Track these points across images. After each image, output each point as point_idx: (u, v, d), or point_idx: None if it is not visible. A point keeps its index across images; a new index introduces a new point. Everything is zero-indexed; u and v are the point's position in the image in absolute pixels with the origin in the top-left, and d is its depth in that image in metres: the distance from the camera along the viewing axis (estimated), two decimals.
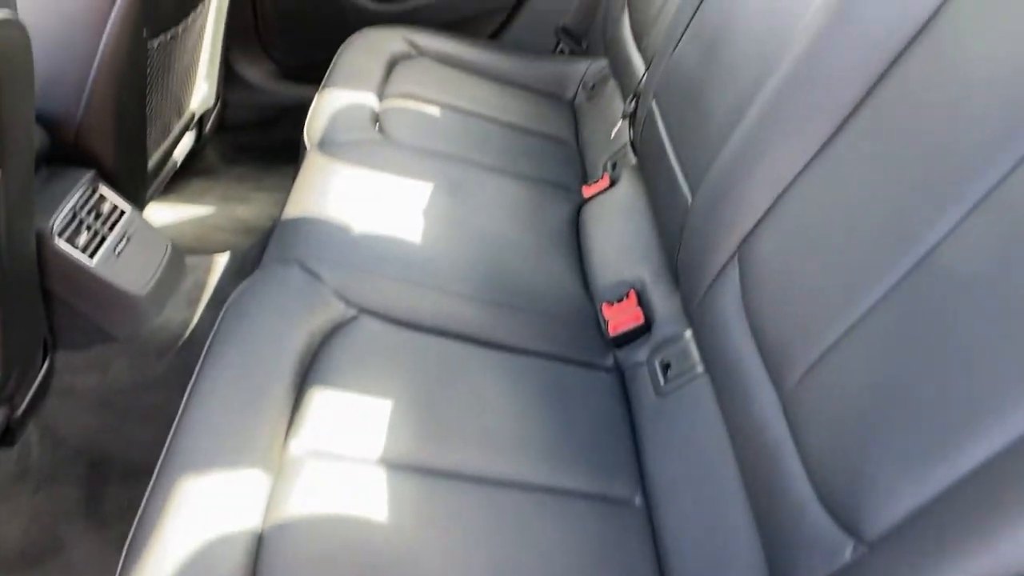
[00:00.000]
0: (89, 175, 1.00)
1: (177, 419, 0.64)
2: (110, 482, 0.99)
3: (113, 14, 0.93)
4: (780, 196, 0.61)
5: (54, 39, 0.92)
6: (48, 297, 0.97)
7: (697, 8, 0.90)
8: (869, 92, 0.55)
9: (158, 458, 0.61)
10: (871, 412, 0.46)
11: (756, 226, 0.63)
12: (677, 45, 0.93)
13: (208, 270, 1.18)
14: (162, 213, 1.56)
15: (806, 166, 0.59)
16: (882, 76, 0.54)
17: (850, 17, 0.57)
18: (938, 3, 0.51)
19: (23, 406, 0.92)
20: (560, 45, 1.58)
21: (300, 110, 1.72)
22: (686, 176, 0.81)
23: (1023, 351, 0.37)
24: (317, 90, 1.29)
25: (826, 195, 0.57)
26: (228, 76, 1.64)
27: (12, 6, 0.58)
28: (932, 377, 0.42)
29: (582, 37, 1.57)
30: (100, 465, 0.99)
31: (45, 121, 0.96)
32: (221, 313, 0.76)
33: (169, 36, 1.09)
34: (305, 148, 1.07)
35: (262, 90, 1.69)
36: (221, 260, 1.21)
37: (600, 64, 1.46)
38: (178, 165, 1.45)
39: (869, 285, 0.48)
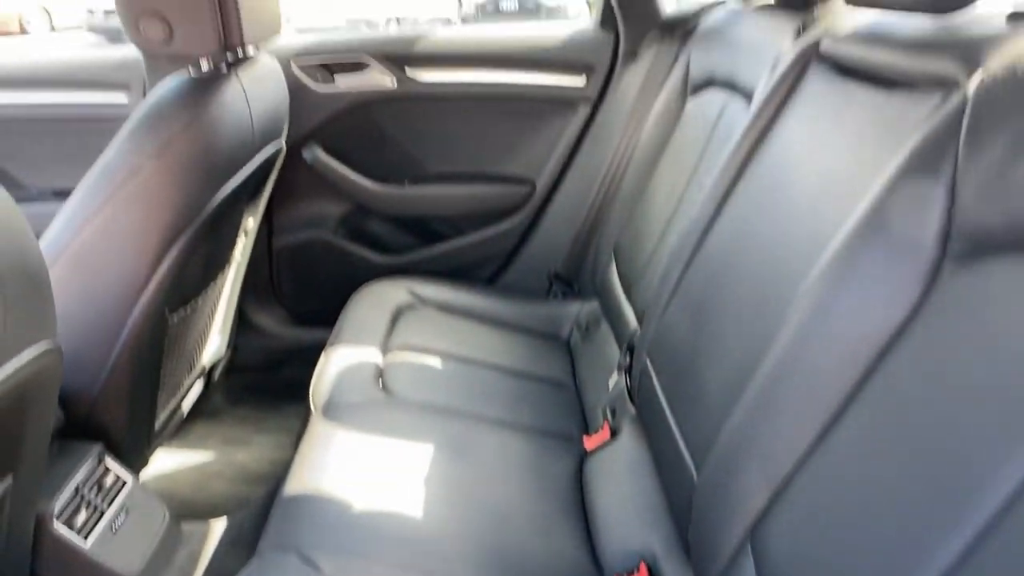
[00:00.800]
0: (97, 449, 1.02)
1: None
2: None
3: (143, 297, 1.00)
4: (786, 484, 0.62)
5: (81, 320, 0.98)
6: None
7: (683, 273, 0.98)
8: (859, 386, 0.57)
9: None
10: None
11: (765, 514, 0.63)
12: (667, 308, 0.99)
13: (204, 539, 1.15)
14: (162, 460, 1.55)
15: (808, 452, 0.61)
16: (876, 361, 0.56)
17: (831, 312, 0.61)
18: (919, 296, 0.54)
19: None
20: (553, 288, 1.68)
21: (307, 352, 1.79)
22: (687, 444, 0.83)
23: None
24: (324, 334, 1.35)
25: (837, 482, 0.57)
26: (240, 322, 1.73)
27: (52, 332, 0.63)
28: None
29: (573, 281, 1.68)
30: None
31: (62, 398, 0.99)
32: None
33: (188, 308, 1.17)
34: (310, 411, 1.10)
35: (272, 335, 1.77)
36: (217, 527, 1.19)
37: (592, 305, 1.55)
38: (184, 415, 1.48)
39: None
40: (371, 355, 1.24)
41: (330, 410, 1.08)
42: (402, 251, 1.75)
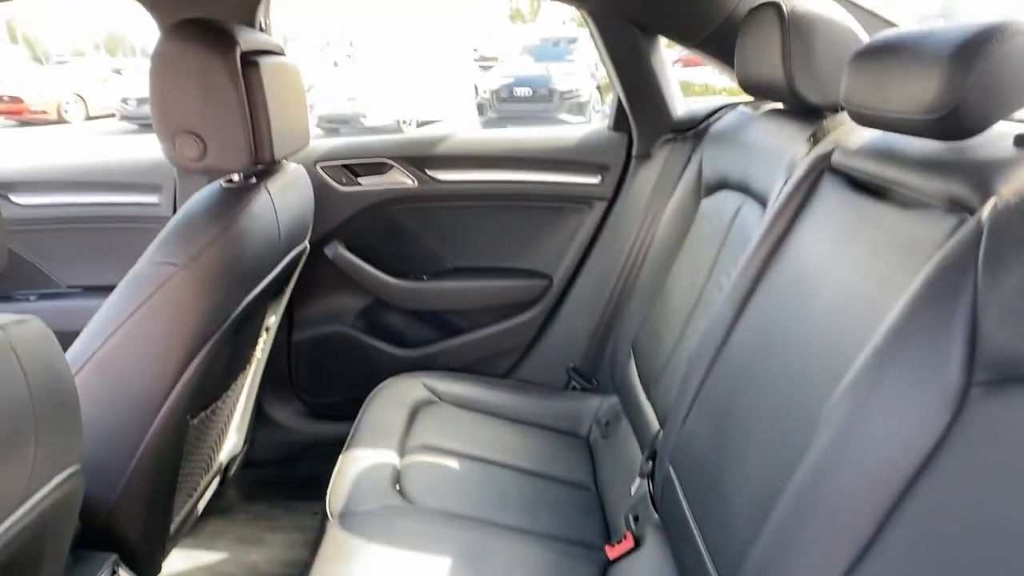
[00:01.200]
0: (111, 560, 1.00)
1: None
2: None
3: (166, 404, 1.00)
4: None
5: (103, 428, 0.99)
6: None
7: (704, 378, 0.97)
8: (887, 516, 0.56)
9: None
10: None
11: None
12: (688, 413, 0.98)
13: None
14: (174, 560, 1.52)
15: None
16: (904, 490, 0.55)
17: (856, 437, 0.60)
18: (946, 423, 0.53)
19: None
20: (572, 383, 1.67)
21: (324, 446, 1.78)
22: (713, 561, 0.80)
23: None
24: (341, 428, 1.33)
25: None
26: (257, 417, 1.72)
27: (79, 456, 0.64)
28: None
29: (592, 375, 1.67)
30: None
31: (82, 508, 0.99)
32: None
33: (209, 411, 1.17)
34: (326, 514, 1.08)
35: (288, 429, 1.76)
36: None
37: (612, 400, 1.53)
38: (199, 514, 1.45)
39: None
40: (388, 457, 1.23)
41: (347, 518, 1.06)
42: (420, 344, 1.76)
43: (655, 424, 1.21)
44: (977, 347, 0.53)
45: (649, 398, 1.28)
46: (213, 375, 1.11)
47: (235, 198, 1.06)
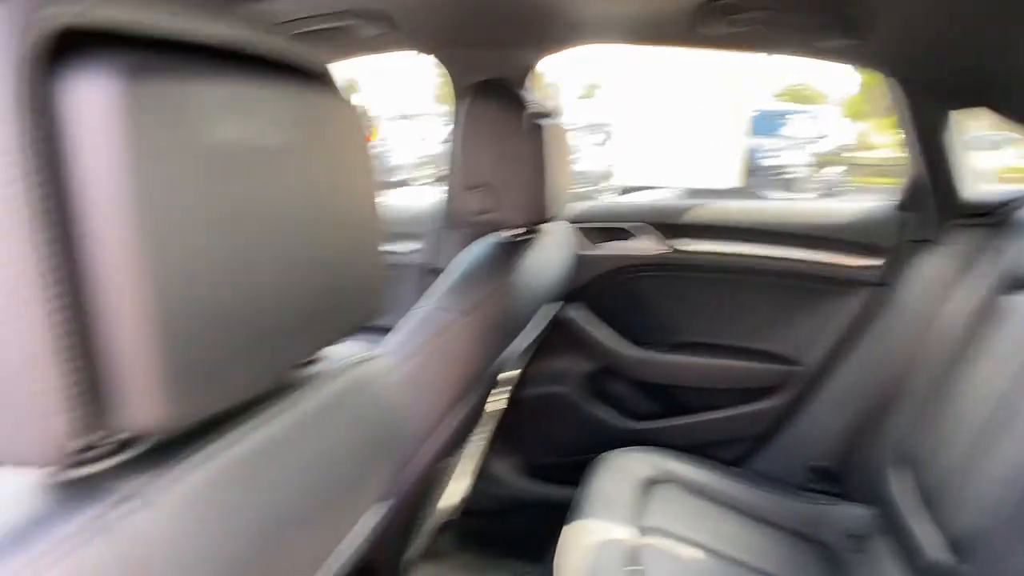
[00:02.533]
0: None
1: None
2: None
3: (421, 448, 1.04)
4: None
5: None
6: None
7: None
8: None
9: None
10: None
11: None
12: (1008, 550, 0.82)
13: None
14: None
15: None
16: None
17: None
18: None
19: None
20: (811, 484, 1.51)
21: (538, 506, 1.77)
22: None
23: None
24: (557, 490, 1.29)
25: None
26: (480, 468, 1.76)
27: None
28: None
29: (838, 478, 1.50)
30: None
31: None
32: None
33: (452, 459, 1.20)
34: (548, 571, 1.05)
35: (506, 484, 1.77)
36: None
37: (863, 512, 1.35)
38: (419, 553, 1.49)
39: None
40: (620, 533, 1.18)
41: None
42: (646, 418, 1.70)
43: (937, 551, 1.04)
44: None
45: (932, 518, 1.10)
46: (464, 423, 1.15)
47: (513, 251, 1.10)
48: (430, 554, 1.73)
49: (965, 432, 1.10)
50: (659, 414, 1.69)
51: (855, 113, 13.80)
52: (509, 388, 1.63)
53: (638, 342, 1.67)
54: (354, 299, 0.52)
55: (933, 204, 1.45)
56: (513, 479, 1.77)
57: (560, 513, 1.19)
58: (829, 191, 9.01)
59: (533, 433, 1.78)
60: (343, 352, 0.58)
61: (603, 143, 8.87)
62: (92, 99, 0.31)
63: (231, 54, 0.40)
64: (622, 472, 1.38)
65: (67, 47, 0.32)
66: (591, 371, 1.74)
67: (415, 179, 9.48)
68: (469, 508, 1.76)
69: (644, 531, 1.21)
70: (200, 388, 0.37)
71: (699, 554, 1.16)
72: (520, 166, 1.04)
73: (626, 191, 7.99)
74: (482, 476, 1.76)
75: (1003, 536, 0.83)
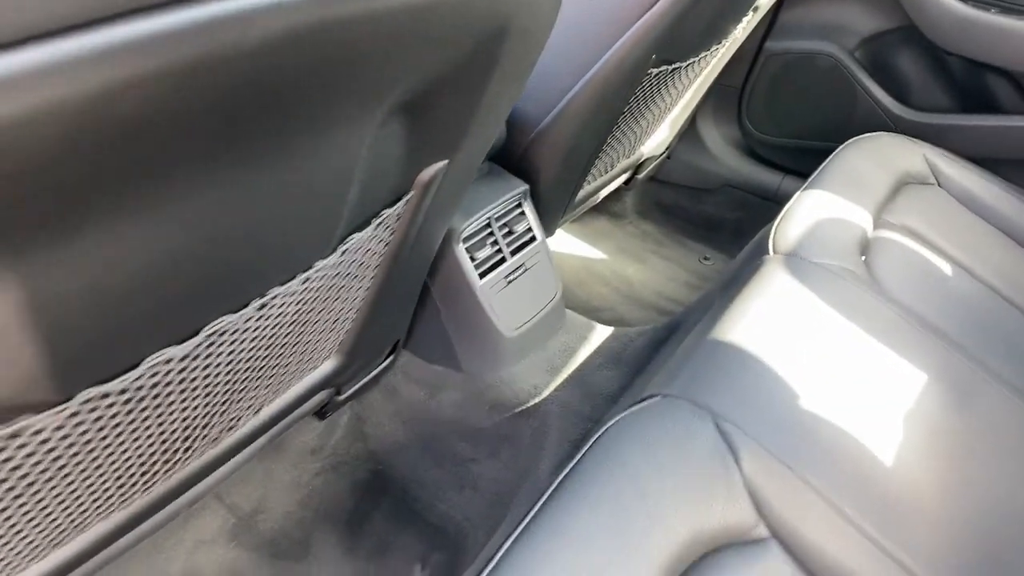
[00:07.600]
0: (522, 189, 0.88)
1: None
2: (379, 507, 0.86)
3: (626, 36, 0.78)
4: None
5: (555, 46, 0.81)
6: (422, 296, 0.87)
7: None
8: None
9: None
10: None
11: None
12: None
13: (583, 339, 1.00)
14: (553, 242, 1.46)
15: None
16: None
17: None
18: None
19: (349, 392, 0.83)
20: None
21: (742, 190, 1.49)
22: None
23: None
24: (774, 179, 1.03)
25: None
26: (687, 130, 1.48)
27: None
28: None
29: None
30: (379, 481, 0.87)
31: (510, 121, 0.86)
32: (591, 441, 0.54)
33: (671, 68, 0.93)
34: (766, 252, 0.82)
35: (714, 158, 1.49)
36: (600, 332, 1.02)
37: None
38: (598, 202, 1.32)
39: None
40: (860, 218, 0.89)
41: (793, 261, 0.78)
42: (929, 110, 1.27)
43: None
44: None
45: None
46: (683, 31, 0.84)
47: None
48: (610, 212, 1.57)
49: None
50: (957, 107, 1.25)
51: None
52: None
53: None
54: None
55: None
56: (724, 155, 1.49)
57: (777, 208, 0.92)
58: None
59: (772, 104, 1.41)
60: None
61: None
62: None
63: None
64: (881, 158, 1.04)
65: None
66: (874, 32, 1.28)
67: None
68: (660, 175, 1.54)
69: (887, 226, 0.91)
70: None
71: (946, 268, 0.86)
72: None
73: None
74: (688, 141, 1.49)
75: None
